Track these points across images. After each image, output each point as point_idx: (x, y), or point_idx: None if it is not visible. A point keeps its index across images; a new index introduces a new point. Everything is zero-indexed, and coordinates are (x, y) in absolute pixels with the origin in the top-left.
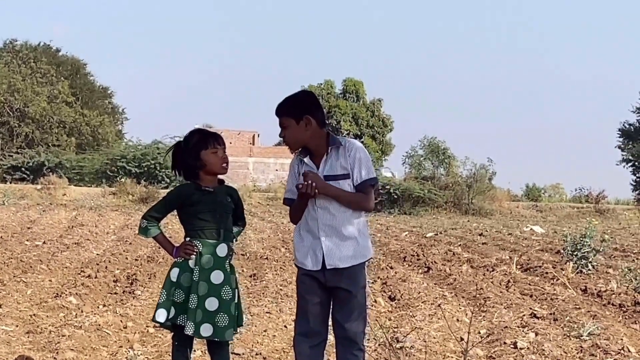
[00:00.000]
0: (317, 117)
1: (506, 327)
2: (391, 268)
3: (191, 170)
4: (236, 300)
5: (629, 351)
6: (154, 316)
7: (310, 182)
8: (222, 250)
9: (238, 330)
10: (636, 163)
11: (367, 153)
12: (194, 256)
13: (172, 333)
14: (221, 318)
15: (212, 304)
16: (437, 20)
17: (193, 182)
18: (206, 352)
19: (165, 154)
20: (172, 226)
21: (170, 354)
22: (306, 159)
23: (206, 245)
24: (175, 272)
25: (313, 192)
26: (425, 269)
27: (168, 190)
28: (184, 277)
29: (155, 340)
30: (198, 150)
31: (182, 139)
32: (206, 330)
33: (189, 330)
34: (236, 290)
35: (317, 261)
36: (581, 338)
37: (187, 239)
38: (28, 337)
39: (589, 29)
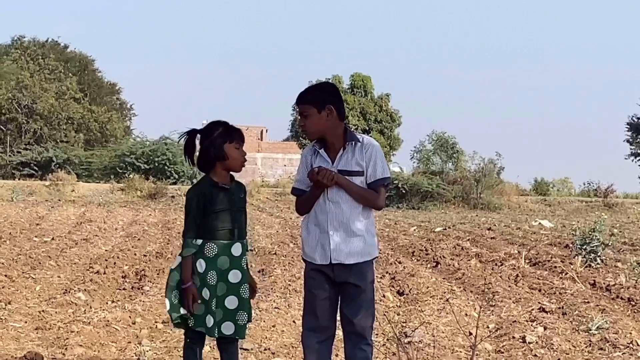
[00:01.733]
0: (338, 108)
1: (515, 321)
2: (400, 263)
3: (209, 161)
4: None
5: (638, 345)
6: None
7: (327, 171)
8: (237, 249)
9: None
10: None
11: (383, 153)
12: (194, 308)
13: (184, 330)
14: (241, 316)
15: (232, 302)
16: (445, 15)
17: (208, 178)
18: (214, 347)
19: (179, 138)
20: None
21: (181, 350)
22: (321, 151)
23: (221, 247)
24: (176, 275)
25: (330, 180)
26: (434, 264)
27: (180, 189)
28: (193, 280)
29: (164, 335)
30: (222, 142)
31: (197, 129)
32: (228, 328)
33: (212, 332)
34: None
35: (325, 255)
36: (590, 332)
37: (199, 240)
38: (37, 333)
39: (598, 23)
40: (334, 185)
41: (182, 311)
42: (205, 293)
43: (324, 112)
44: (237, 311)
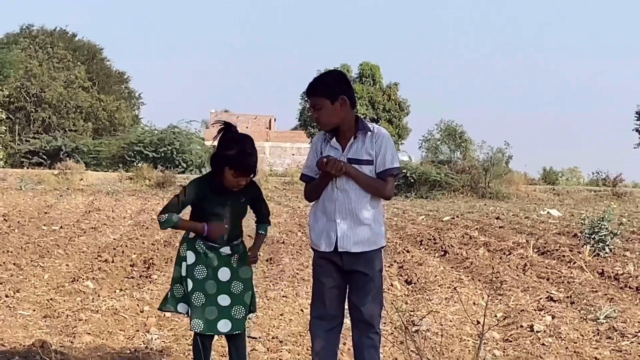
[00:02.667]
0: (350, 97)
1: (523, 310)
2: (407, 252)
3: (210, 164)
4: (249, 290)
5: None
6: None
7: (335, 162)
8: (225, 249)
9: (249, 317)
10: None
11: (394, 143)
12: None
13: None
14: (237, 310)
15: (224, 300)
16: (454, 4)
17: (211, 177)
18: (222, 336)
19: (219, 128)
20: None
21: (189, 338)
22: (332, 140)
23: (209, 247)
24: (183, 266)
25: (338, 171)
26: (442, 253)
27: (188, 178)
28: (182, 268)
29: (172, 324)
30: (225, 163)
31: (232, 125)
32: (225, 325)
33: (205, 330)
34: (250, 279)
35: (330, 243)
36: (598, 321)
37: (192, 233)
38: (45, 321)
39: (608, 12)
40: (343, 174)
41: (180, 309)
42: (189, 284)
43: (337, 102)
44: (231, 307)
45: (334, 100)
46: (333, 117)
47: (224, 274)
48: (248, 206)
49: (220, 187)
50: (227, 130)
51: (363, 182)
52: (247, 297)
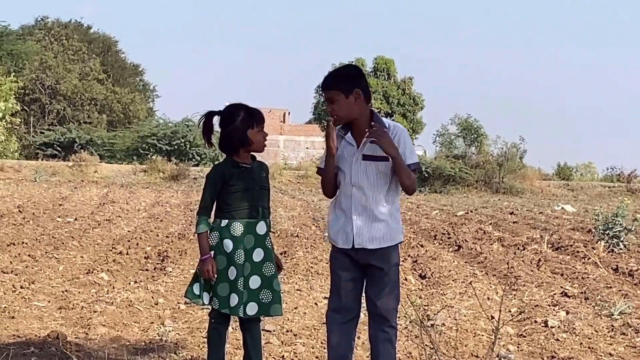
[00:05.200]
0: (365, 91)
1: (537, 305)
2: (422, 246)
3: (233, 147)
4: (276, 277)
5: None
6: (196, 296)
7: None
8: (261, 228)
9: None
10: None
11: (411, 139)
12: (214, 278)
13: (209, 311)
14: (265, 294)
15: (255, 282)
16: None
17: (230, 158)
18: (236, 328)
19: (199, 121)
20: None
21: (203, 330)
22: (347, 135)
23: (245, 225)
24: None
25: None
26: (456, 248)
27: (202, 171)
28: (218, 260)
29: (186, 316)
30: (246, 128)
31: (214, 111)
32: (252, 308)
33: (236, 312)
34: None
35: (347, 240)
36: (612, 317)
37: (224, 220)
38: (60, 312)
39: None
40: (383, 144)
41: (205, 300)
42: (232, 272)
43: (351, 96)
44: (260, 290)
45: (348, 94)
46: (348, 110)
47: (257, 254)
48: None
49: (240, 165)
50: (210, 115)
51: (401, 167)
52: (276, 285)
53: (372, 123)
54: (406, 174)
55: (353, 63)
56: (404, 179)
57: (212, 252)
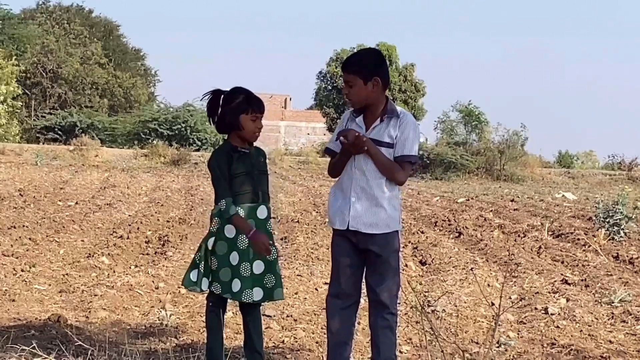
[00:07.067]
0: (384, 79)
1: (537, 292)
2: (422, 233)
3: (225, 128)
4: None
5: None
6: (193, 282)
7: (359, 139)
8: (262, 212)
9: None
10: None
11: (418, 132)
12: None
13: (206, 294)
14: (269, 279)
15: (258, 267)
16: None
17: (228, 142)
18: (237, 312)
19: (202, 97)
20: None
21: (204, 315)
22: (358, 119)
23: (246, 210)
24: (211, 241)
25: (360, 149)
26: (457, 234)
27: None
28: (219, 246)
29: (186, 300)
30: (239, 112)
31: (222, 90)
32: (257, 294)
33: (239, 297)
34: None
35: (343, 221)
36: (612, 304)
37: (239, 208)
38: (61, 296)
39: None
40: (363, 152)
41: (204, 286)
42: (234, 257)
43: (369, 83)
44: (264, 275)
45: (367, 81)
46: (363, 96)
47: None
48: None
49: (239, 150)
50: (217, 93)
51: (379, 162)
52: (278, 268)
53: (357, 133)
54: (384, 167)
55: (354, 49)
56: (381, 171)
57: (214, 238)
